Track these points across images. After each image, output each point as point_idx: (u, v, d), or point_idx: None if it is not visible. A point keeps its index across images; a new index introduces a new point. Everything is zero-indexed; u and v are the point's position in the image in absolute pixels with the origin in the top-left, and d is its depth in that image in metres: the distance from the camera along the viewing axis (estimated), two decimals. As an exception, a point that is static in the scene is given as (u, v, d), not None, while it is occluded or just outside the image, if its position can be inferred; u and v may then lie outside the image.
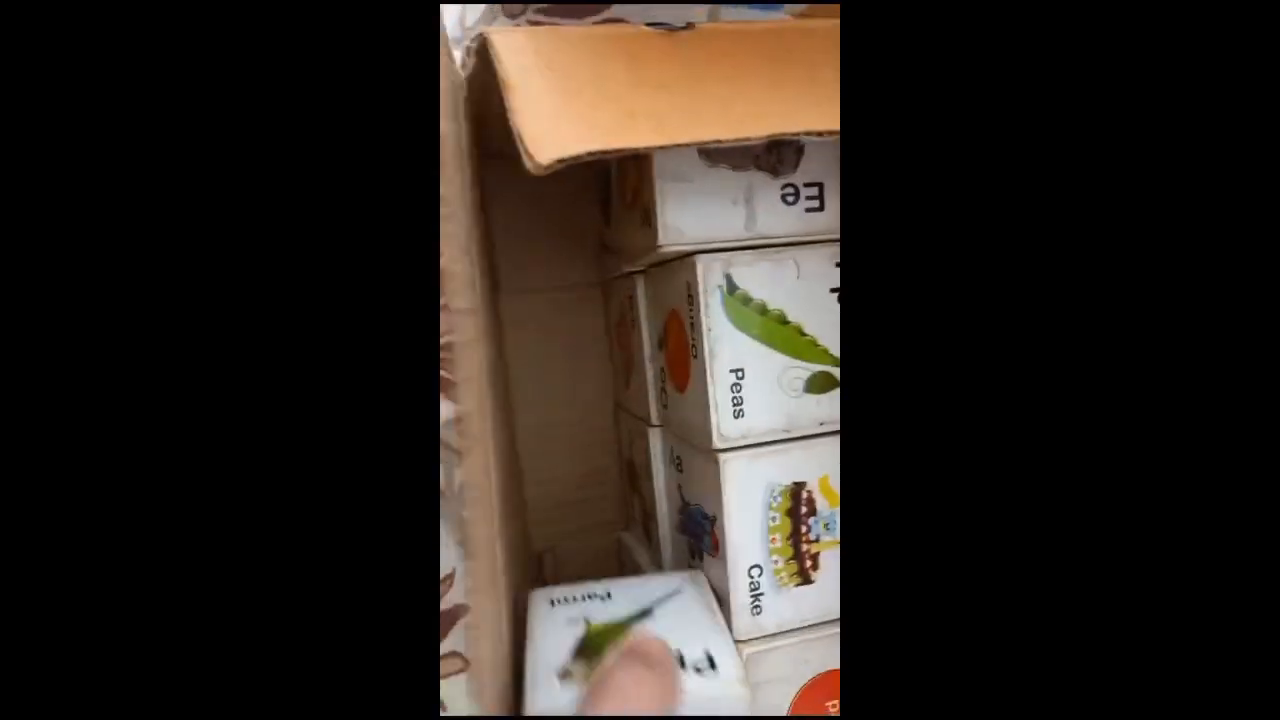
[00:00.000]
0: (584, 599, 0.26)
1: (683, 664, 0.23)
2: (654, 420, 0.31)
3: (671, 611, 0.25)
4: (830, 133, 0.19)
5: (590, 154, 0.17)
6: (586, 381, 0.39)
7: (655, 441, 0.32)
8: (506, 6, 0.37)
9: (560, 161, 0.18)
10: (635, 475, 0.36)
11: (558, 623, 0.25)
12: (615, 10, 0.39)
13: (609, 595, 0.27)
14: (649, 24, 0.23)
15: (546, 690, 0.22)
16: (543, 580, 0.39)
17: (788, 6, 0.37)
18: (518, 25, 0.37)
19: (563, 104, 0.19)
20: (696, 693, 0.22)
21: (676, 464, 0.30)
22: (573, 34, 0.21)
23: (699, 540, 0.28)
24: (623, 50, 0.21)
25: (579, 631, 0.24)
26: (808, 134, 0.19)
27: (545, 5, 0.38)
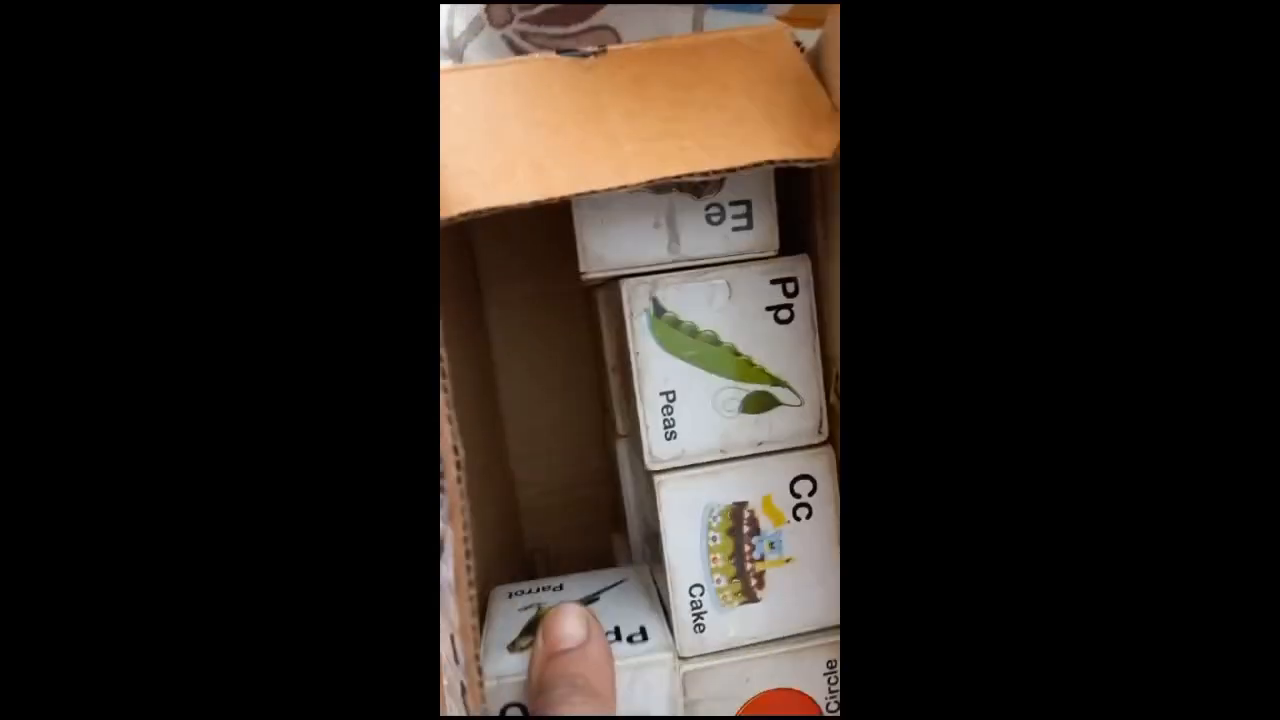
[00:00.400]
0: (540, 591, 0.29)
1: (619, 635, 0.26)
2: (620, 430, 0.32)
3: (615, 597, 0.29)
4: (719, 171, 0.19)
5: (463, 215, 0.18)
6: (579, 383, 0.39)
7: (622, 451, 0.32)
8: (493, 14, 0.38)
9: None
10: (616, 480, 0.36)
11: (513, 610, 0.28)
12: (606, 14, 0.39)
13: (561, 587, 0.30)
14: (560, 51, 0.23)
15: (496, 659, 0.25)
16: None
17: (772, 8, 0.36)
18: (503, 34, 0.38)
19: (452, 156, 0.20)
20: (627, 658, 0.25)
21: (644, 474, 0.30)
22: (477, 75, 0.21)
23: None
24: (524, 88, 0.21)
25: (532, 615, 0.27)
26: (691, 175, 0.19)
27: (533, 12, 0.38)
